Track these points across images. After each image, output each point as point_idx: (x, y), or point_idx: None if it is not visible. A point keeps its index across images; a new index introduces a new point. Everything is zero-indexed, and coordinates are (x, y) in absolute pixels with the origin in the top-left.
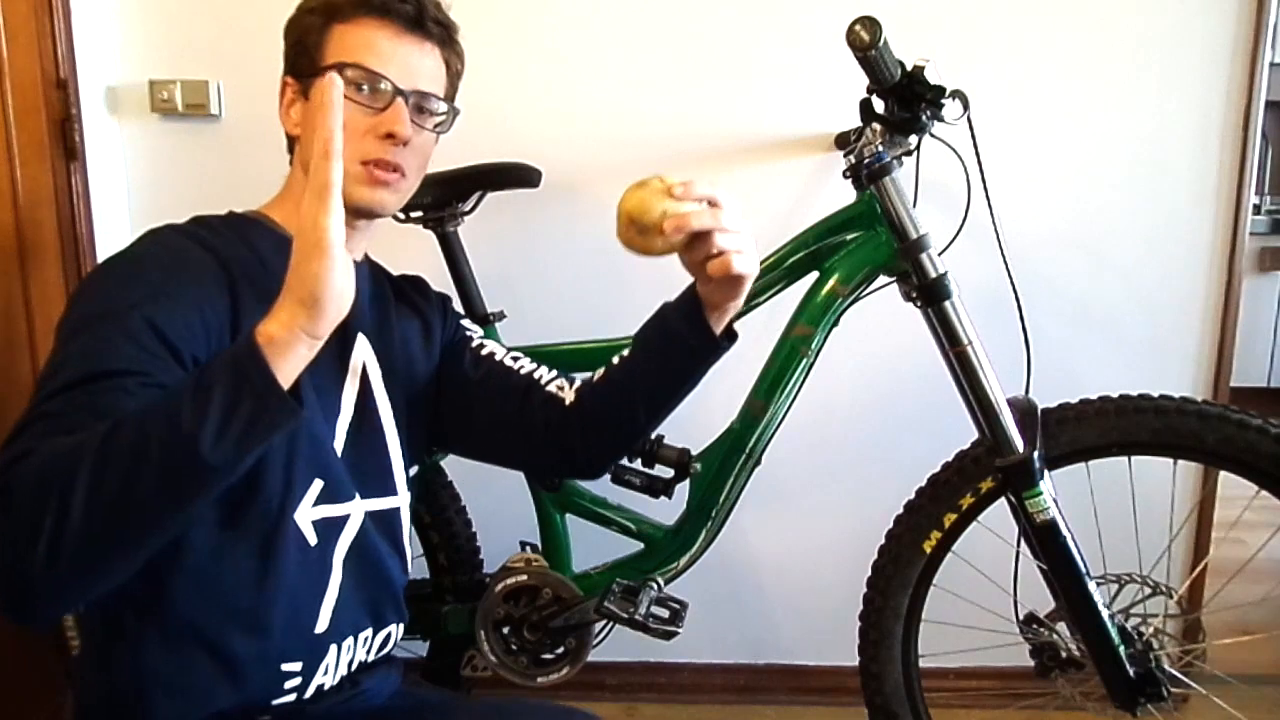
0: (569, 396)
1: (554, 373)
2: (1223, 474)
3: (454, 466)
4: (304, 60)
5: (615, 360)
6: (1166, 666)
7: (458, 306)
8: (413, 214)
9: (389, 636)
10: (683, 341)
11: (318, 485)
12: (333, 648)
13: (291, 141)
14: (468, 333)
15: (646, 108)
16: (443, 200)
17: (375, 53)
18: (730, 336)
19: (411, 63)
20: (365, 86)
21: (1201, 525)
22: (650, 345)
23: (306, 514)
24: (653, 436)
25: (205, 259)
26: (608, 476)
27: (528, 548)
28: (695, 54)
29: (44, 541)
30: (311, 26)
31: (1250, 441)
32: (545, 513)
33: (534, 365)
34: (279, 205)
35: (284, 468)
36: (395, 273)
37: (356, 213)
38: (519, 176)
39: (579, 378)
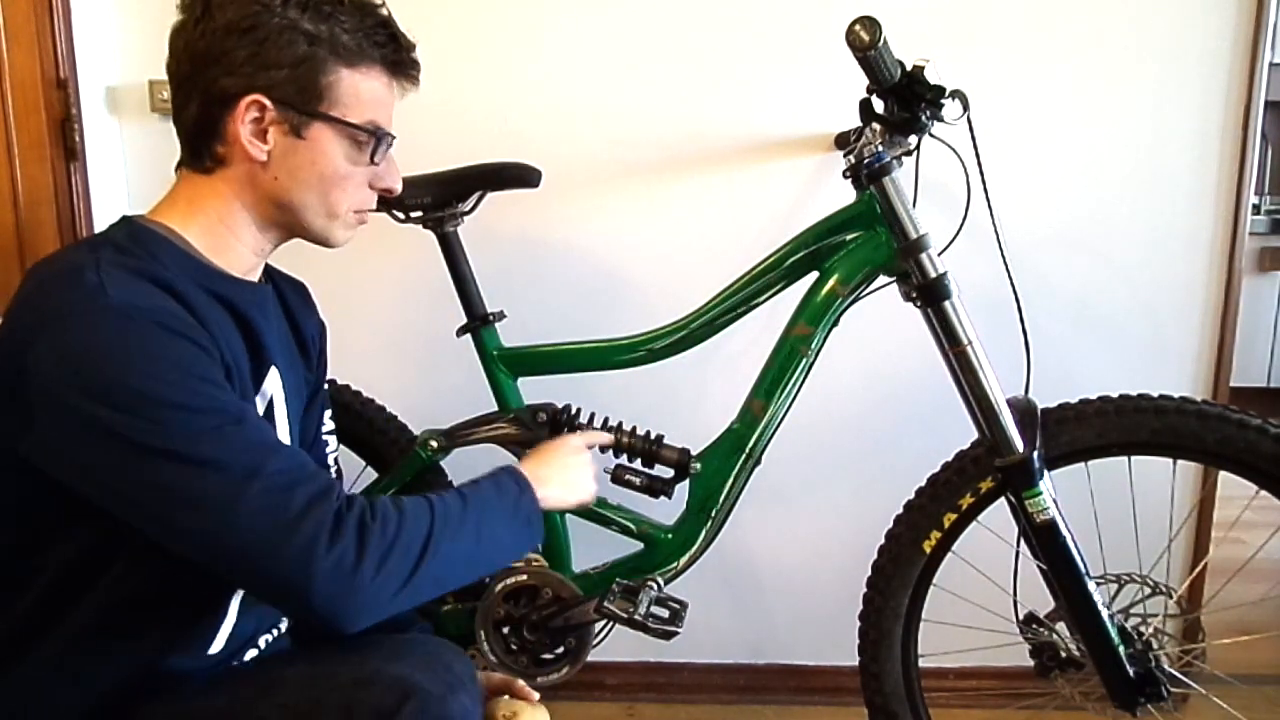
0: None
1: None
2: (1223, 474)
3: (454, 466)
4: (299, 94)
5: None
6: (1166, 666)
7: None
8: (412, 214)
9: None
10: None
11: None
12: (252, 650)
13: (219, 155)
14: (325, 383)
15: (646, 108)
16: (443, 200)
17: (385, 109)
18: None
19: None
20: (377, 148)
21: (1201, 525)
22: None
23: None
24: (653, 436)
25: (181, 313)
26: (608, 477)
27: None
28: (695, 54)
29: (404, 585)
30: (314, 59)
31: (1250, 441)
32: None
33: (335, 467)
34: (184, 219)
35: None
36: (279, 269)
37: (312, 242)
38: (519, 176)
39: None
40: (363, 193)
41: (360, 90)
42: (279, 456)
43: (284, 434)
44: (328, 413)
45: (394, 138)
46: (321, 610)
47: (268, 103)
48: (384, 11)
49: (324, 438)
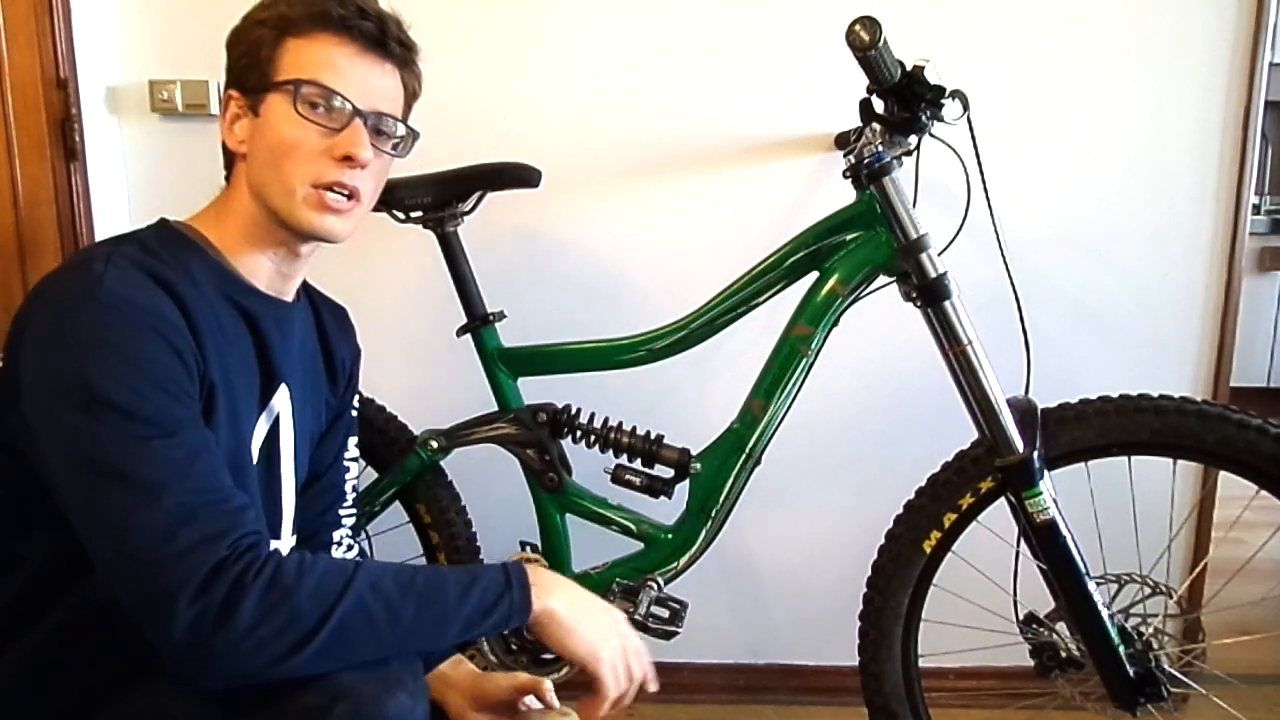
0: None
1: (351, 525)
2: (1223, 474)
3: (454, 467)
4: (253, 74)
5: None
6: (1166, 666)
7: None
8: (413, 214)
9: None
10: None
11: None
12: None
13: (230, 156)
14: (353, 412)
15: (646, 108)
16: (443, 200)
17: (333, 70)
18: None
19: (371, 82)
20: (321, 105)
21: (1201, 525)
22: None
23: None
24: (653, 436)
25: (174, 317)
26: (608, 477)
27: (528, 548)
28: (695, 54)
29: (282, 659)
30: (263, 40)
31: (1250, 441)
32: (545, 513)
33: (350, 508)
34: (215, 224)
35: None
36: (323, 293)
37: (303, 238)
38: (519, 176)
39: (349, 552)
40: (319, 163)
41: (303, 55)
42: (190, 484)
43: (287, 452)
44: (353, 439)
45: (345, 99)
46: (175, 660)
47: (235, 93)
48: None
49: (345, 463)
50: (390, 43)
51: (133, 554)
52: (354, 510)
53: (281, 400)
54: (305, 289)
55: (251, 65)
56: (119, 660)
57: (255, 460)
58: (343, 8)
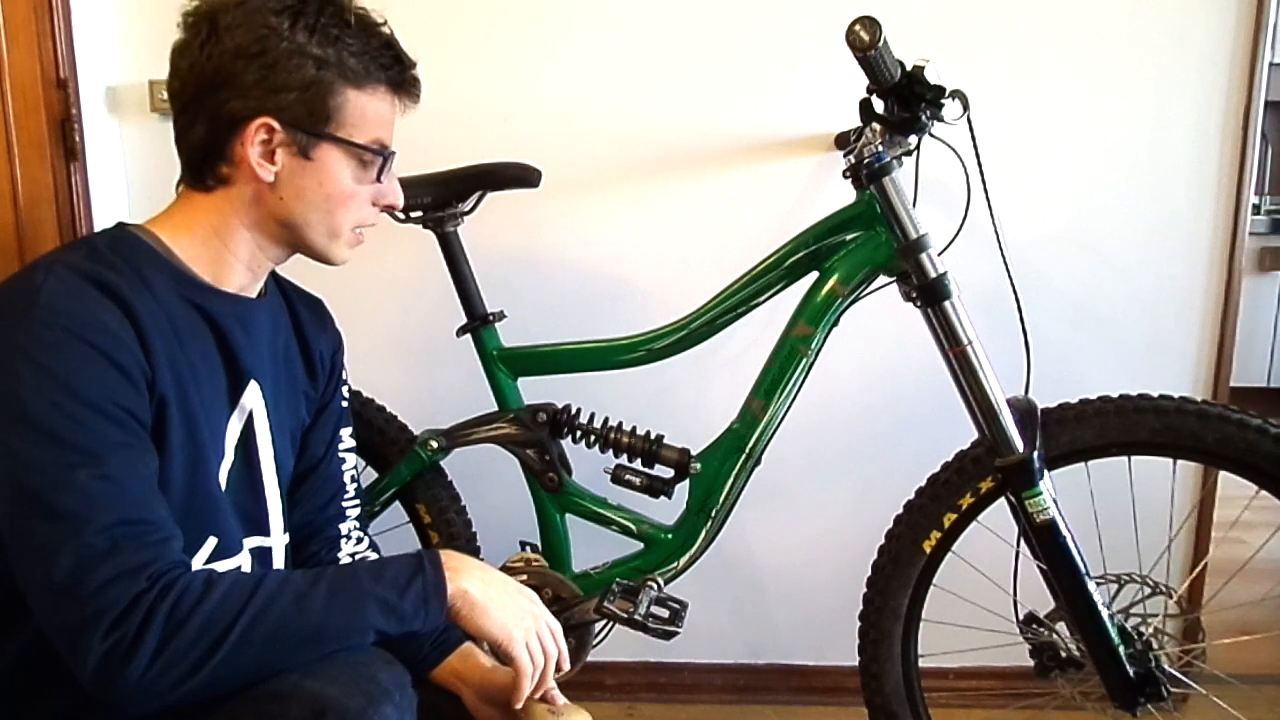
0: (344, 558)
1: (357, 516)
2: (1223, 474)
3: (454, 467)
4: (307, 116)
5: None
6: (1166, 666)
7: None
8: (413, 214)
9: None
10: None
11: (211, 543)
12: None
13: (223, 175)
14: (343, 403)
15: (646, 108)
16: (443, 200)
17: (388, 128)
18: None
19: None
20: (382, 166)
21: (1201, 525)
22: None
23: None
24: (653, 436)
25: (115, 327)
26: (608, 477)
27: (528, 548)
28: (695, 54)
29: (192, 675)
30: (321, 83)
31: (1250, 441)
32: (545, 513)
33: (349, 489)
34: (179, 231)
35: (181, 527)
36: (297, 286)
37: (313, 259)
38: (519, 176)
39: (359, 545)
40: (365, 210)
41: (367, 111)
42: (111, 515)
43: (266, 450)
44: (346, 430)
45: (395, 154)
46: (94, 689)
47: (277, 125)
48: (386, 30)
49: (340, 455)
50: (419, 93)
51: (53, 585)
52: (358, 501)
53: (253, 397)
54: (276, 282)
55: (305, 105)
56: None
57: (232, 460)
58: (402, 69)
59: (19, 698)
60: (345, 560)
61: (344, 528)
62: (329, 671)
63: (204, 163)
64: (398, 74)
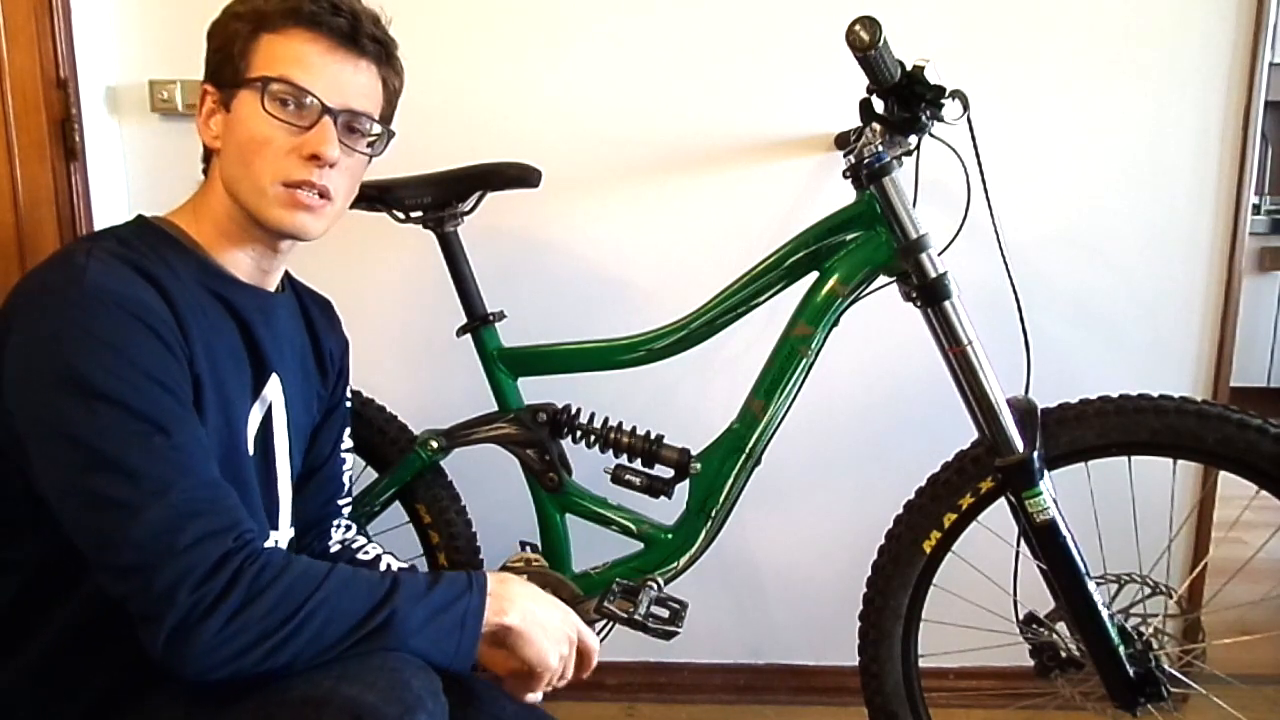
0: (333, 541)
1: (347, 502)
2: (1223, 474)
3: (454, 467)
4: (227, 69)
5: (381, 566)
6: (1166, 666)
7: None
8: (413, 214)
9: None
10: None
11: None
12: None
13: (208, 152)
14: (347, 403)
15: (646, 108)
16: (443, 200)
17: (303, 67)
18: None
19: (343, 79)
20: (290, 103)
21: (1201, 525)
22: None
23: None
24: (653, 436)
25: (159, 308)
26: (608, 477)
27: (528, 548)
28: (695, 54)
29: (256, 645)
30: (238, 34)
31: (1250, 441)
32: (545, 513)
33: (348, 498)
34: (193, 219)
35: None
36: (307, 286)
37: (277, 235)
38: (519, 176)
39: (348, 531)
40: (288, 161)
41: (276, 51)
42: (192, 480)
43: (282, 444)
44: (347, 430)
45: (314, 96)
46: (162, 649)
47: (209, 88)
48: None
49: (342, 455)
50: (363, 39)
51: (139, 549)
52: (350, 500)
53: (274, 390)
54: (290, 281)
55: (225, 60)
56: (123, 668)
57: (251, 451)
58: (315, 4)
59: (59, 678)
60: (335, 546)
61: (336, 522)
62: (365, 676)
63: (203, 147)
64: (309, 6)
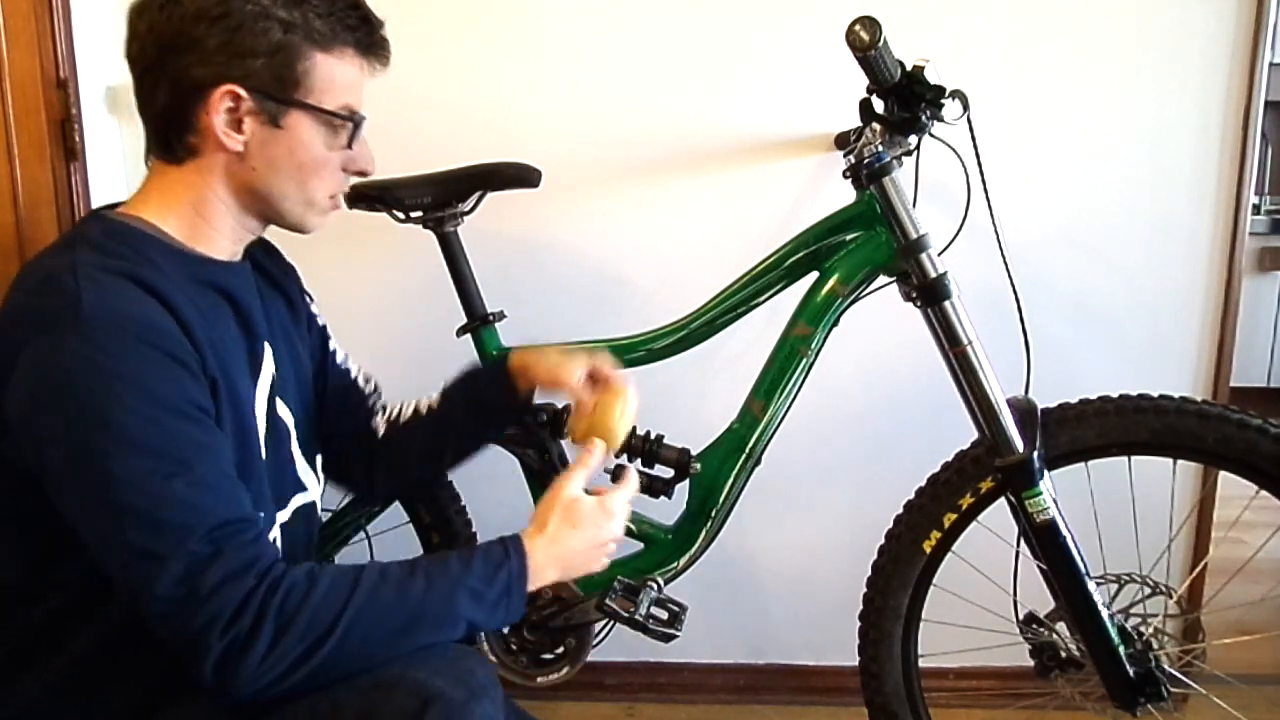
0: (380, 428)
1: (373, 394)
2: (1223, 474)
3: None
4: (274, 83)
5: (422, 407)
6: (1166, 666)
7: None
8: (413, 214)
9: None
10: (501, 409)
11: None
12: None
13: (191, 145)
14: (321, 322)
15: (646, 107)
16: (443, 200)
17: (356, 92)
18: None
19: None
20: (353, 132)
21: (1201, 525)
22: (466, 404)
23: None
24: (653, 436)
25: (164, 322)
26: (608, 477)
27: None
28: (695, 54)
29: (301, 664)
30: (288, 47)
31: (1250, 441)
32: None
33: (367, 385)
34: (161, 211)
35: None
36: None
37: (285, 228)
38: (519, 176)
39: (383, 408)
40: (337, 177)
41: (335, 75)
42: (210, 519)
43: (283, 409)
44: (333, 341)
45: (365, 119)
46: (212, 683)
47: (243, 93)
48: None
49: (343, 368)
50: (388, 54)
51: (164, 596)
52: (374, 386)
53: (269, 363)
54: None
55: (272, 72)
56: (157, 675)
57: (265, 428)
58: (369, 33)
59: (95, 685)
60: (382, 428)
61: (375, 419)
62: (432, 663)
63: (169, 132)
64: (365, 35)
